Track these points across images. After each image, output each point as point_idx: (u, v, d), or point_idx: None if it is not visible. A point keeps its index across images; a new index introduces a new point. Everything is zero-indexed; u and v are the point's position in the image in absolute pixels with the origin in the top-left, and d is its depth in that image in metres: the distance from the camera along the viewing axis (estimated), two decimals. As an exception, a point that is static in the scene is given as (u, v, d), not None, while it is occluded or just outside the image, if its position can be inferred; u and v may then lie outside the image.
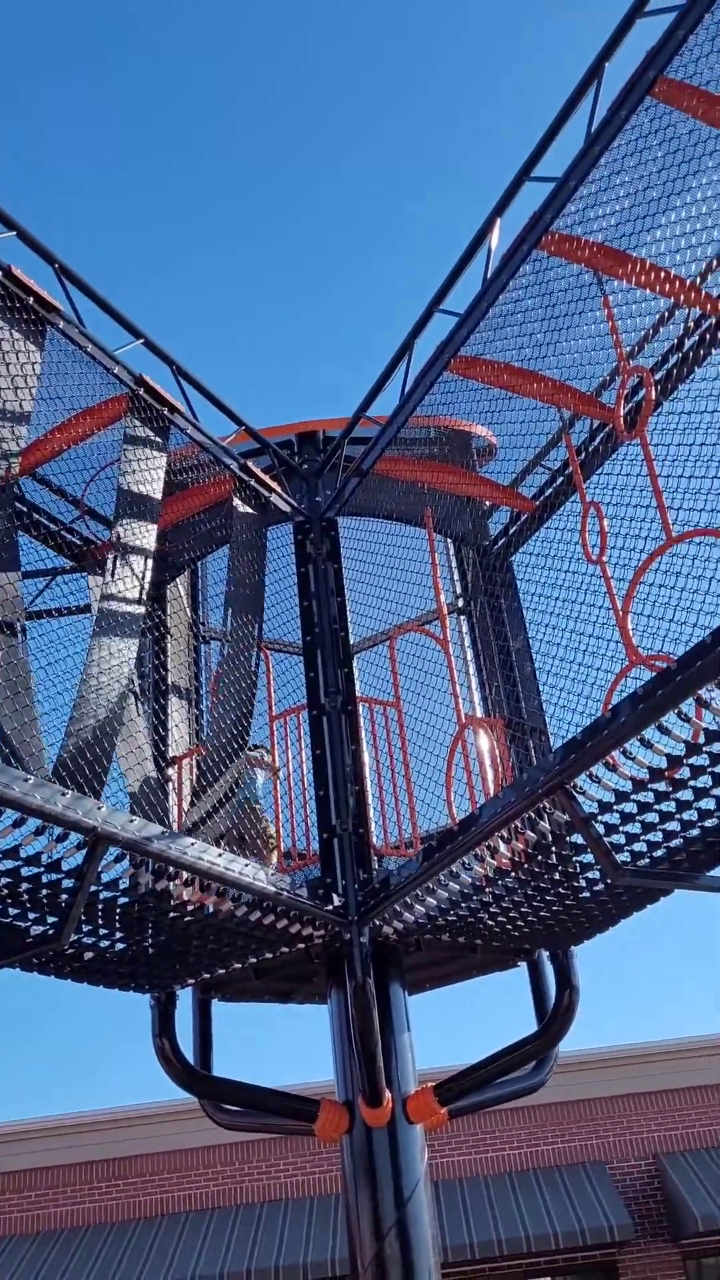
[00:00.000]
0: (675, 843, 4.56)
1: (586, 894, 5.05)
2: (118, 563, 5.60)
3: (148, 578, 5.76)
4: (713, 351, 5.60)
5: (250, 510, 6.82)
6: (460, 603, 7.92)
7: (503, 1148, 14.68)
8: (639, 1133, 14.72)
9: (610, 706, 4.20)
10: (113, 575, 5.49)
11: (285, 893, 5.18)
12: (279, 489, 6.95)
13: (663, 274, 5.40)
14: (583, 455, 6.46)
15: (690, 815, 4.35)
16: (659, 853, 4.66)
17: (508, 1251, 12.93)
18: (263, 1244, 13.41)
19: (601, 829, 4.41)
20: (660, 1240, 13.98)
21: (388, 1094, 5.85)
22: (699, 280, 5.57)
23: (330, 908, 5.54)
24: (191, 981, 6.45)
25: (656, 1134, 14.72)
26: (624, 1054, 15.08)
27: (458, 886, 5.15)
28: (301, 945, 5.80)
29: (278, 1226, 13.83)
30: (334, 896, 5.62)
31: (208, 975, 6.19)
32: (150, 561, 5.77)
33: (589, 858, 4.72)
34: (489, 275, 5.80)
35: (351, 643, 6.70)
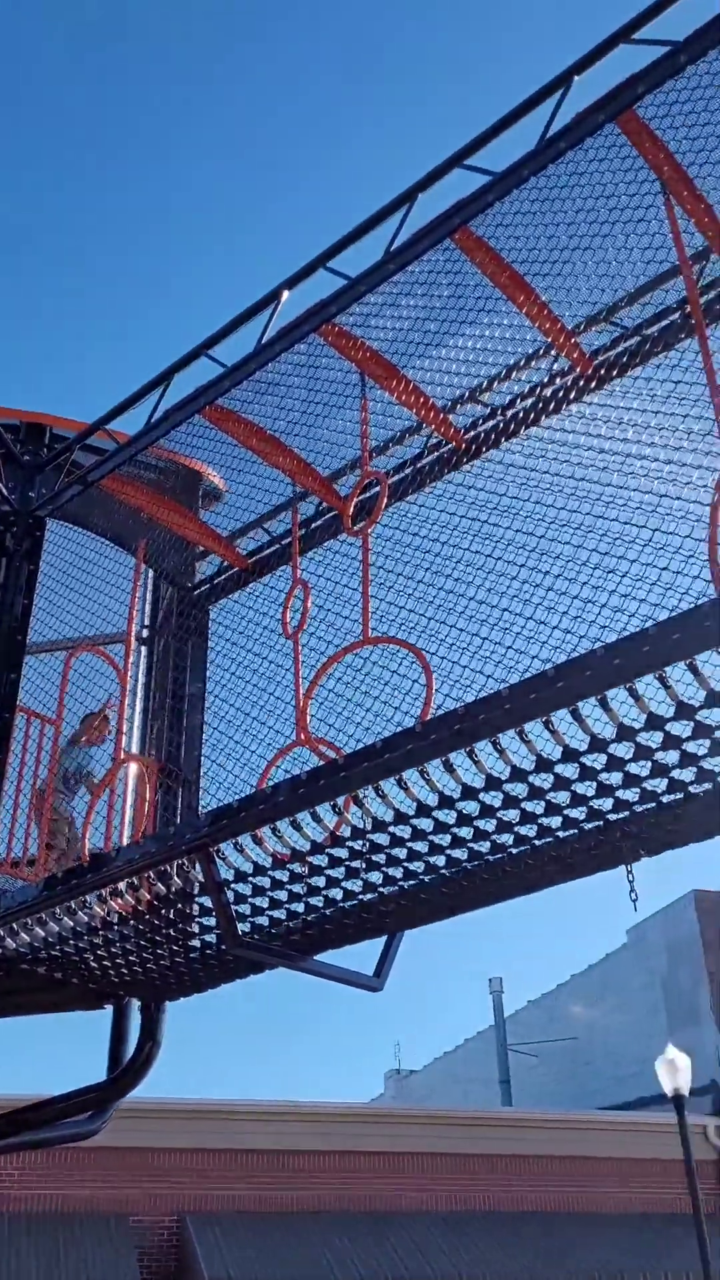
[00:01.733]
0: (294, 923, 4.74)
1: (197, 955, 5.10)
2: None
3: None
4: (442, 477, 6.06)
5: (-44, 484, 6.43)
6: (144, 634, 7.85)
7: (28, 1187, 14.10)
8: (169, 1188, 14.68)
9: (272, 784, 4.32)
10: None
11: None
12: (-6, 472, 6.62)
13: (420, 396, 5.80)
14: (302, 531, 6.69)
15: (316, 901, 4.55)
16: (275, 930, 4.82)
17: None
18: None
19: (231, 896, 4.50)
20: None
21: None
22: (446, 410, 6.04)
23: (-71, 918, 5.21)
24: None
25: (185, 1192, 14.74)
26: (179, 1108, 15.06)
27: (71, 923, 5.03)
28: None
29: None
30: (-65, 907, 5.29)
31: None
32: None
33: (210, 920, 4.79)
34: (263, 339, 5.94)
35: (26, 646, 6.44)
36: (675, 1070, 14.91)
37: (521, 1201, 16.17)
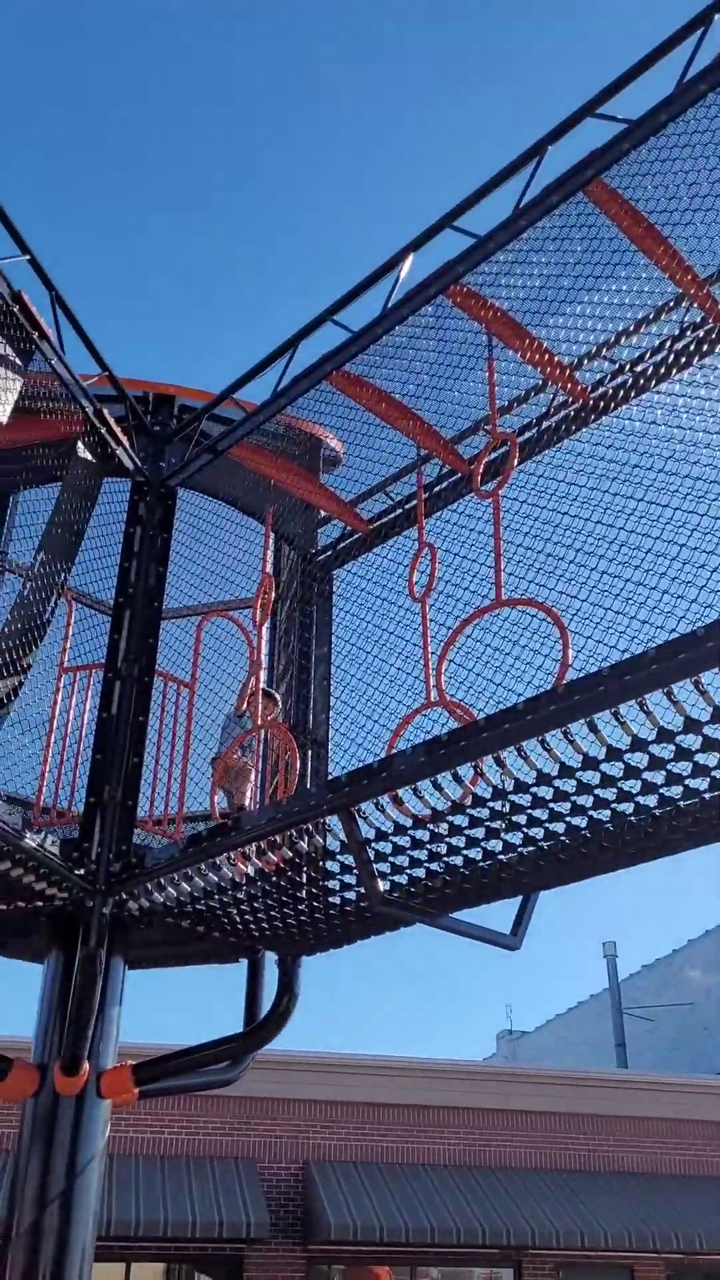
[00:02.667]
0: (433, 882, 4.81)
1: (335, 910, 5.23)
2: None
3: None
4: (569, 435, 5.99)
5: (91, 457, 6.62)
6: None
7: (161, 1130, 14.73)
8: (293, 1137, 15.16)
9: (411, 746, 4.38)
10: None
11: (39, 848, 5.07)
12: (125, 444, 6.79)
13: (548, 355, 5.73)
14: (427, 495, 6.71)
15: (455, 860, 4.61)
16: (414, 888, 4.91)
17: (142, 1234, 13.00)
18: None
19: (371, 855, 4.60)
20: (290, 1242, 14.46)
21: (86, 1065, 5.80)
22: (574, 367, 5.95)
23: (81, 872, 5.46)
24: None
25: (308, 1141, 15.20)
26: (305, 1061, 15.50)
27: (215, 879, 5.21)
28: (39, 903, 5.67)
29: None
30: (87, 862, 5.54)
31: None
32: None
33: (349, 878, 4.90)
34: (389, 304, 5.93)
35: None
36: None
37: (630, 1163, 16.20)
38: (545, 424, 6.17)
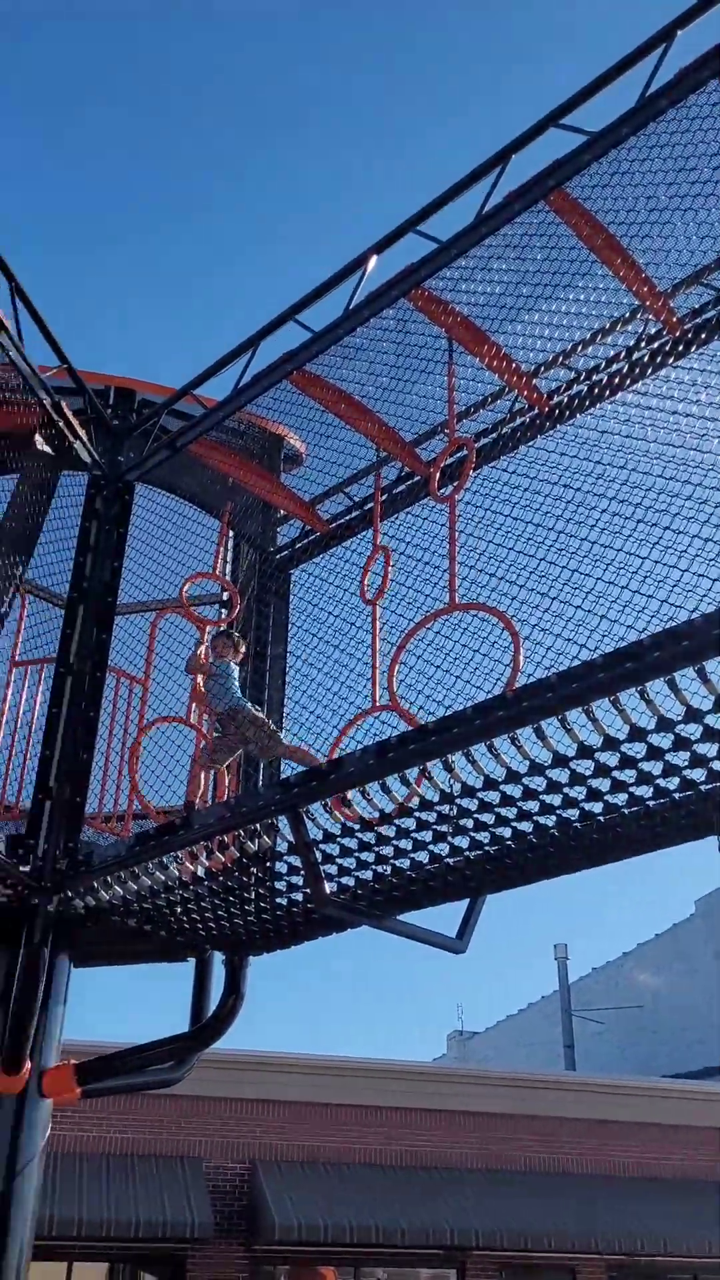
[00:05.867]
0: (379, 884, 4.82)
1: (283, 911, 5.22)
2: None
3: None
4: (527, 442, 6.03)
5: (49, 449, 6.56)
6: (225, 597, 7.96)
7: (106, 1128, 14.61)
8: (239, 1136, 15.09)
9: (361, 748, 4.39)
10: None
11: (-16, 844, 5.02)
12: (83, 437, 6.73)
13: (508, 361, 5.76)
14: (384, 497, 6.71)
15: (401, 863, 4.62)
16: (361, 890, 4.91)
17: (85, 1234, 12.89)
18: None
19: (319, 856, 4.59)
20: (235, 1242, 14.39)
21: (28, 1063, 5.75)
22: (533, 375, 5.99)
23: (26, 869, 5.41)
24: None
25: (255, 1140, 15.14)
26: (252, 1060, 15.43)
27: (162, 878, 5.18)
28: (-18, 899, 5.61)
29: None
30: (33, 859, 5.49)
31: None
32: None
33: (297, 879, 4.89)
34: (351, 305, 5.93)
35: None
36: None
37: (573, 1164, 16.33)
38: (503, 429, 6.21)
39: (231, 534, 7.91)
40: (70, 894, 5.52)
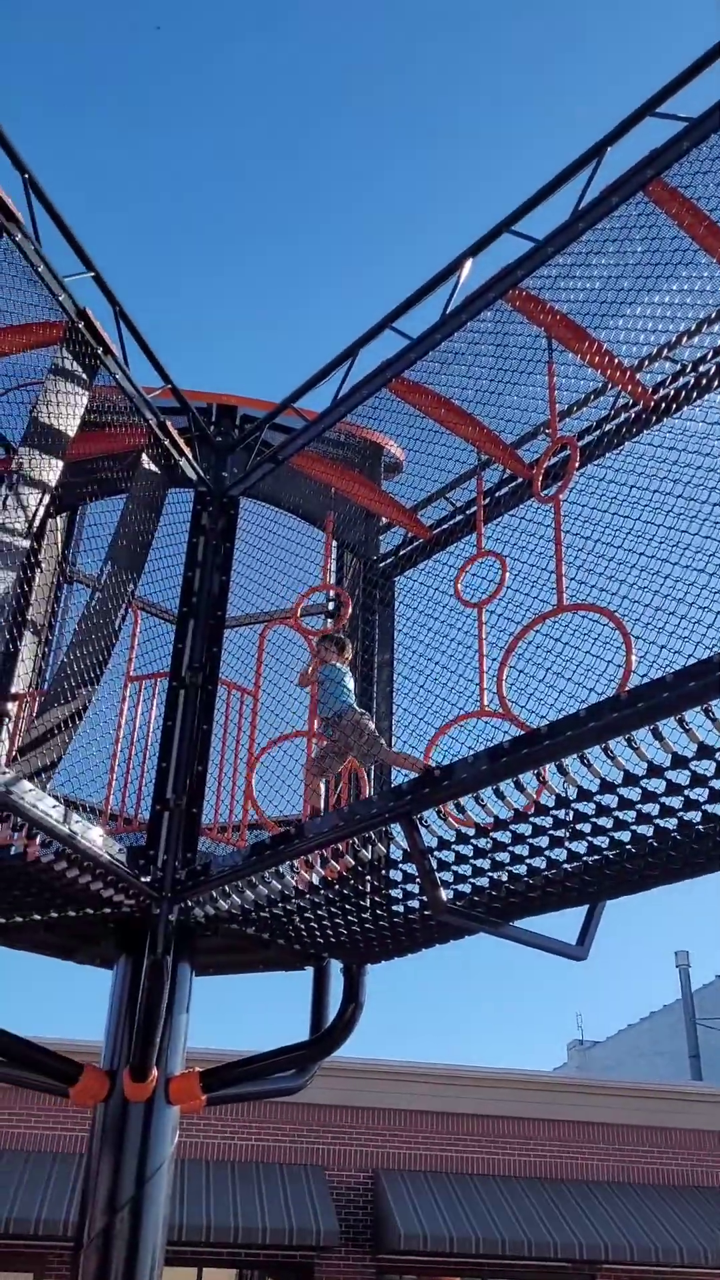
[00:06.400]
0: (496, 890, 4.77)
1: (400, 919, 5.22)
2: (12, 489, 5.43)
3: (39, 514, 5.60)
4: (632, 438, 5.91)
5: (155, 468, 6.71)
6: (331, 606, 8.01)
7: (231, 1135, 14.81)
8: (362, 1145, 15.13)
9: (473, 754, 4.35)
10: (3, 503, 5.32)
11: (107, 856, 5.14)
12: (189, 455, 6.87)
13: (610, 358, 5.66)
14: (487, 500, 6.67)
15: (519, 869, 4.57)
16: (478, 896, 4.87)
17: (214, 1239, 13.08)
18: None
19: (434, 864, 4.57)
20: (360, 1250, 14.42)
21: (154, 1071, 5.86)
22: (636, 369, 5.87)
23: (147, 879, 5.52)
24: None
25: (378, 1149, 15.15)
26: (375, 1068, 15.46)
27: (279, 886, 5.23)
28: (107, 910, 5.74)
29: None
30: (153, 869, 5.60)
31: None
32: (45, 498, 5.61)
33: (413, 887, 4.88)
34: (448, 309, 5.92)
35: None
36: None
37: (705, 1177, 15.86)
38: (607, 427, 6.10)
39: (335, 543, 7.98)
40: (190, 903, 5.62)
